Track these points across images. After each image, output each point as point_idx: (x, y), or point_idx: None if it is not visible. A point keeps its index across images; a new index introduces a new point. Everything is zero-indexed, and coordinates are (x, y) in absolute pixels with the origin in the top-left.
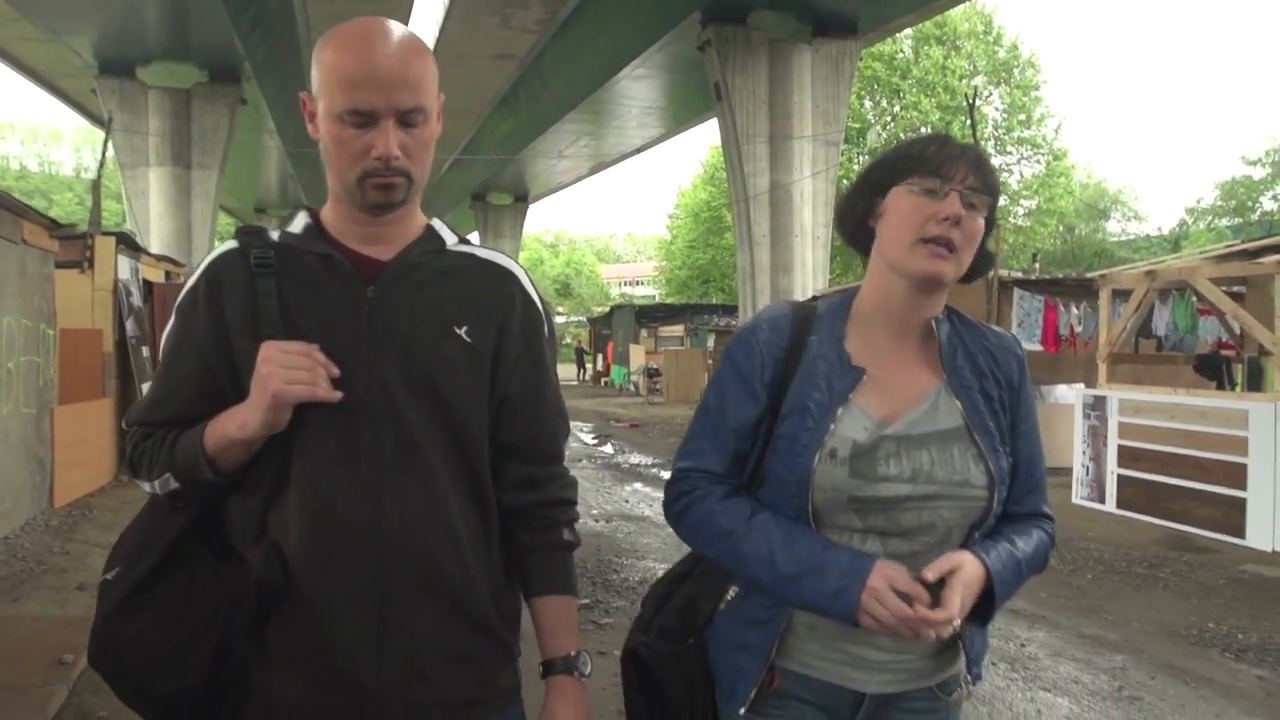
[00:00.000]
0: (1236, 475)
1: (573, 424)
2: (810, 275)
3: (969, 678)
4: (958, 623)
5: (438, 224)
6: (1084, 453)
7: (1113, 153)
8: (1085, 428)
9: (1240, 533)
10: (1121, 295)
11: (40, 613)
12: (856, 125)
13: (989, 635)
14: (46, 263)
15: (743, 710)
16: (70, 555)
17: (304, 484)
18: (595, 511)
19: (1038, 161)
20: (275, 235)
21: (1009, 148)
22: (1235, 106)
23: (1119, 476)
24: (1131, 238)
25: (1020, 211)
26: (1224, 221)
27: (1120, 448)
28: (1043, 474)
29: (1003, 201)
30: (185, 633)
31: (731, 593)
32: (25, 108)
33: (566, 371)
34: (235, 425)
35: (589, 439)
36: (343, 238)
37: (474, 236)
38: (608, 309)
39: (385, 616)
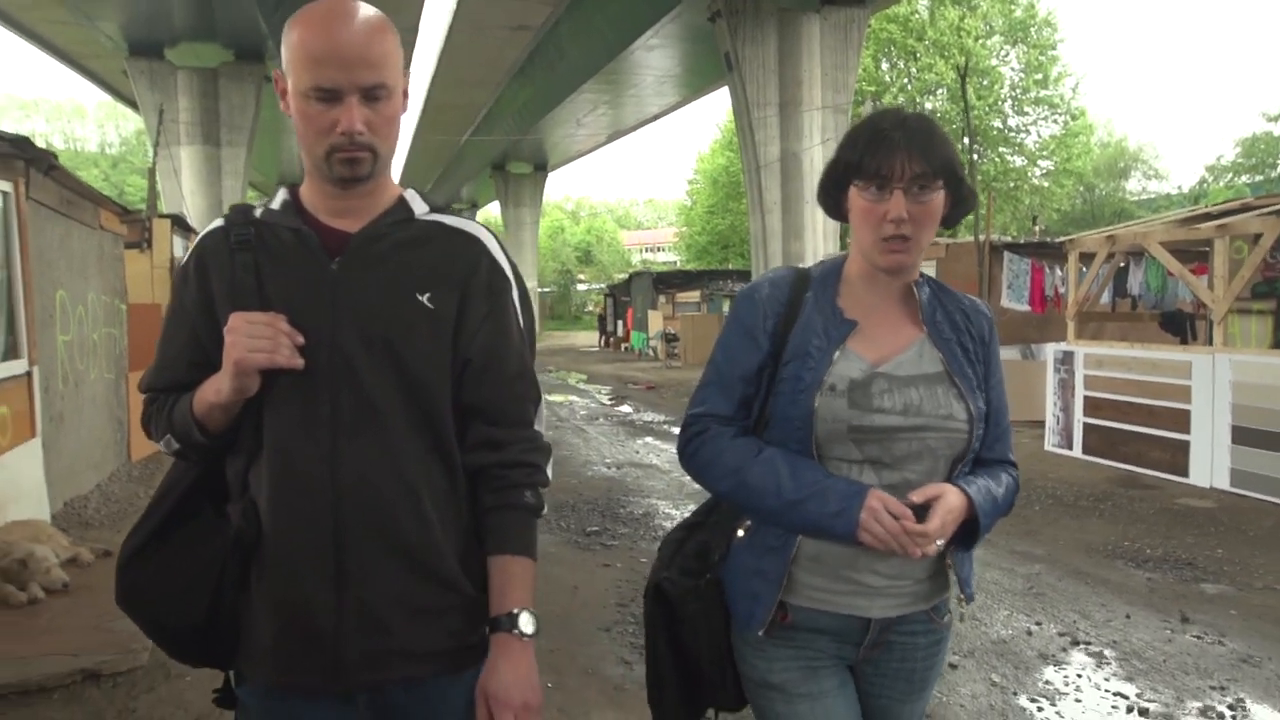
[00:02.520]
0: (1181, 420)
1: (591, 387)
2: (820, 240)
3: (962, 596)
4: (941, 543)
5: (410, 194)
6: (1055, 404)
7: (1133, 111)
8: (1056, 381)
9: (1184, 472)
10: (1090, 258)
11: None
12: (872, 89)
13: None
14: (118, 245)
15: (761, 632)
16: None
17: (272, 446)
18: (608, 460)
19: (1055, 121)
20: (259, 212)
21: (1026, 108)
22: (1257, 62)
23: (1084, 424)
24: (1152, 196)
25: (1037, 172)
26: (1244, 179)
27: (1086, 398)
28: (1008, 425)
29: (1020, 163)
30: (186, 578)
31: (744, 527)
32: (49, 86)
33: (589, 338)
34: (212, 391)
35: (606, 400)
36: (316, 212)
37: (494, 206)
38: (627, 276)
39: (342, 569)
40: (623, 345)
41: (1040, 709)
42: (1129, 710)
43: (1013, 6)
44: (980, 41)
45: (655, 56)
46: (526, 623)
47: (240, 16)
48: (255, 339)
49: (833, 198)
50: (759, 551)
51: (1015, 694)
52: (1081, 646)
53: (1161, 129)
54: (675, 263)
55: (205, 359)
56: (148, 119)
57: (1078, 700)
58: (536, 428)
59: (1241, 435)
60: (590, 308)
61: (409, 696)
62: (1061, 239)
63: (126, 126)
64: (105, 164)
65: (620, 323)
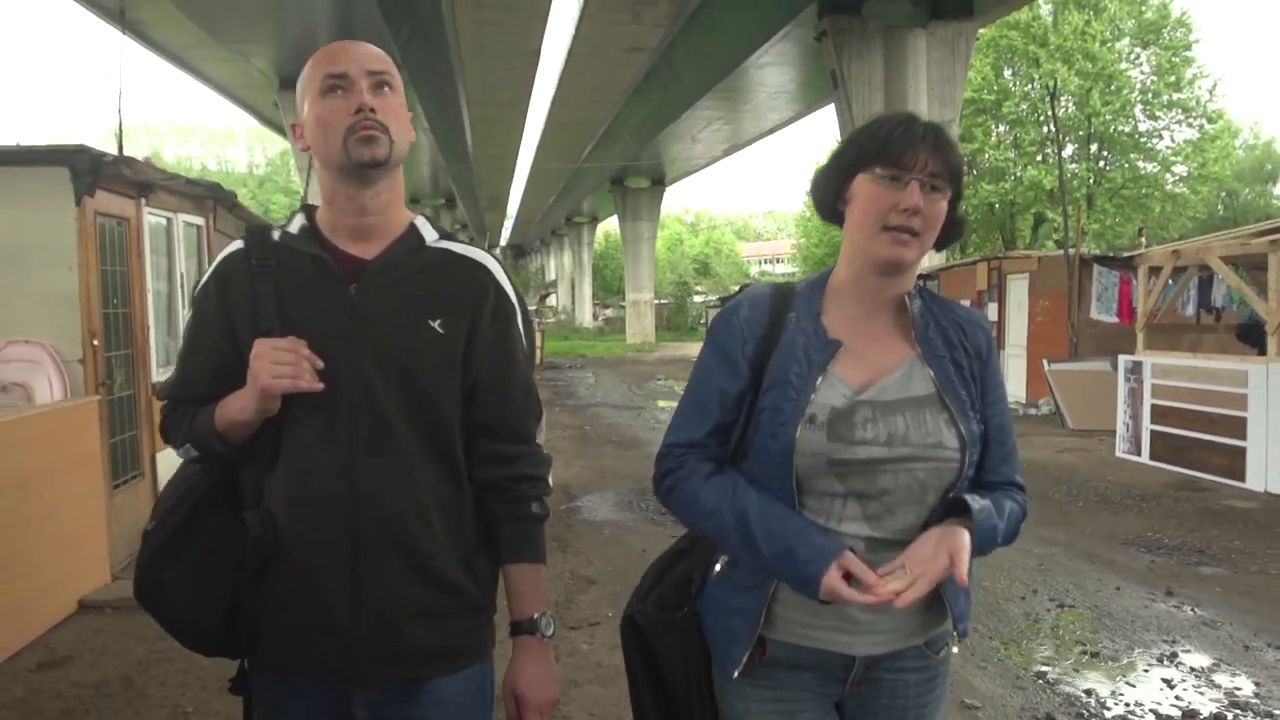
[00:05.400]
0: (1239, 427)
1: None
2: (928, 253)
3: (955, 634)
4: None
5: (420, 221)
6: (1125, 411)
7: None
8: (1126, 390)
9: (1241, 476)
10: (1174, 272)
11: None
12: (992, 97)
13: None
14: None
15: (735, 674)
16: None
17: (291, 459)
18: None
19: (1190, 125)
20: (277, 235)
21: (1157, 112)
22: None
23: (1151, 431)
24: None
25: (1171, 179)
26: None
27: (1153, 406)
28: (1013, 444)
29: (1151, 168)
30: (206, 580)
31: (721, 562)
32: (204, 113)
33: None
34: (236, 409)
35: None
36: (333, 236)
37: (613, 220)
38: (737, 288)
39: (358, 575)
40: None
41: (1006, 647)
42: (1082, 653)
43: (1143, 8)
44: (1107, 45)
45: (768, 73)
46: (546, 625)
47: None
48: (279, 365)
49: (832, 189)
50: (736, 589)
51: (989, 639)
52: (1065, 609)
53: None
54: (793, 274)
55: (226, 373)
56: (296, 147)
57: (1041, 644)
58: (538, 441)
59: None
60: (705, 321)
61: (406, 701)
62: (1130, 253)
63: (271, 148)
64: (252, 184)
65: None
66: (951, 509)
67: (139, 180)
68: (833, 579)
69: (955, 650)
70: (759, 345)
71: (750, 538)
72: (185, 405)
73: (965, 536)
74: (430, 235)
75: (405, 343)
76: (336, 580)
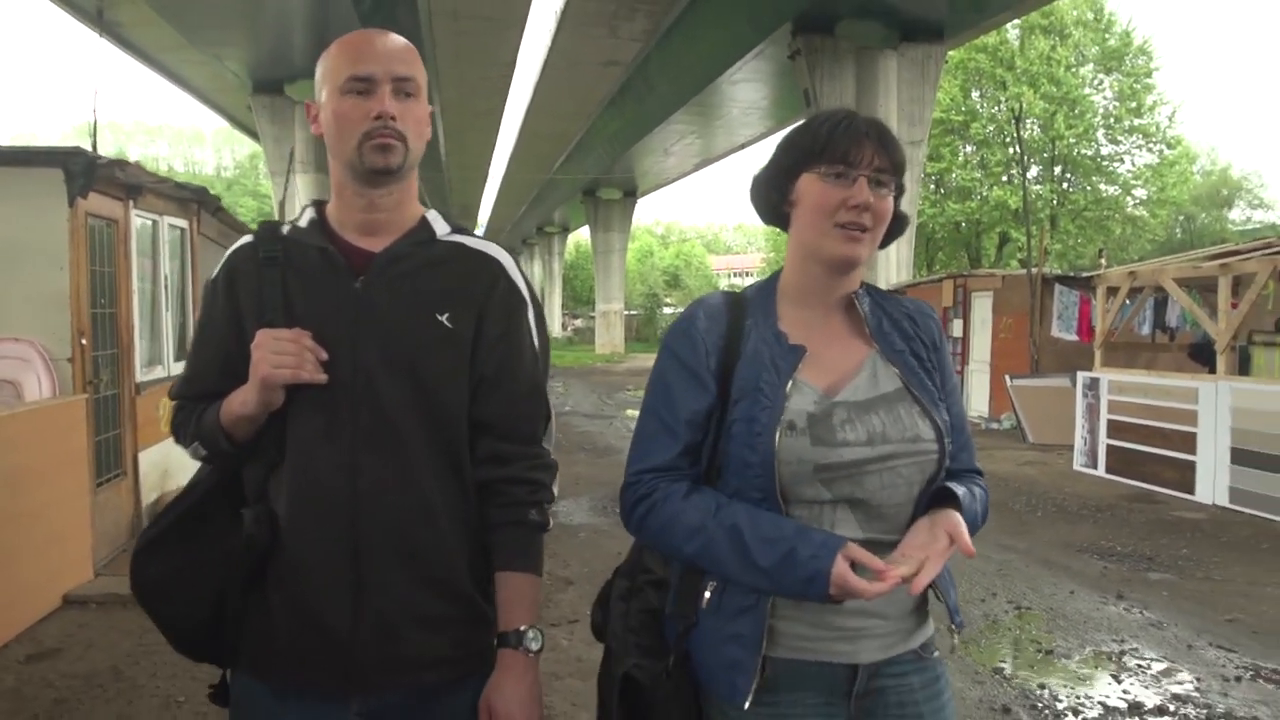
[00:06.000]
0: (1189, 442)
1: None
2: (894, 270)
3: (953, 626)
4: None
5: (433, 215)
6: (1083, 426)
7: (1239, 139)
8: (1084, 405)
9: (1191, 489)
10: (1131, 292)
11: None
12: (960, 118)
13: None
14: None
15: (747, 705)
16: None
17: (293, 456)
18: None
19: (1150, 150)
20: (286, 229)
21: (1119, 137)
22: None
23: (1107, 446)
24: (1256, 226)
25: (1131, 202)
26: None
27: (1109, 421)
28: (970, 433)
29: (1113, 191)
30: (195, 578)
31: (710, 590)
32: (172, 113)
33: None
34: (239, 403)
35: None
36: (342, 230)
37: (584, 230)
38: None
39: (359, 578)
40: None
41: (966, 645)
42: (1036, 651)
43: (1107, 36)
44: (1071, 70)
45: (741, 90)
46: (533, 640)
47: None
48: (280, 355)
49: (776, 190)
50: (730, 614)
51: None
52: (1022, 611)
53: (1268, 158)
54: None
55: (234, 370)
56: (268, 148)
57: (999, 643)
58: (544, 445)
59: (1239, 456)
60: None
61: (406, 706)
62: (1090, 273)
63: (240, 151)
64: (220, 186)
65: None
66: (934, 500)
67: (129, 183)
68: (841, 568)
69: (957, 640)
70: (721, 356)
71: (745, 549)
72: (194, 402)
73: (955, 515)
74: (442, 229)
75: (411, 337)
76: (336, 583)
